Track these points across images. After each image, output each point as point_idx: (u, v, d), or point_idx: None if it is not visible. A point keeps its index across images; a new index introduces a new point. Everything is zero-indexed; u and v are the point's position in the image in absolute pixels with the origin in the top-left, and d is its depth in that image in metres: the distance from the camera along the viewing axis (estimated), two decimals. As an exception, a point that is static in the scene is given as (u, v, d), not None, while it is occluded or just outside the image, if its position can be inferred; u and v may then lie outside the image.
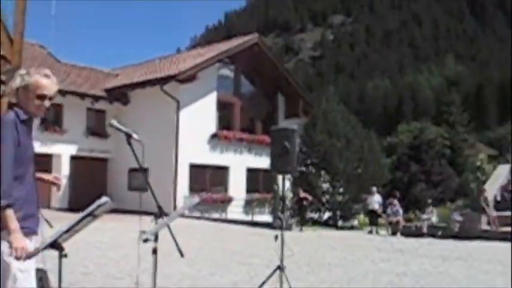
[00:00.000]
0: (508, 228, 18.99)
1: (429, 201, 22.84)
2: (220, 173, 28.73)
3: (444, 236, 19.85)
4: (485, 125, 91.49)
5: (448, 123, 43.67)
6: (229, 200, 28.59)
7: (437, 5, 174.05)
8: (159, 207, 3.83)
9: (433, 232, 20.41)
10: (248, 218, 26.88)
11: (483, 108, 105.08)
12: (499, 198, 21.08)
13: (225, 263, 11.21)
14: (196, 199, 4.76)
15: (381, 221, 23.06)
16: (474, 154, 44.03)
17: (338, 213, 26.39)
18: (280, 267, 7.21)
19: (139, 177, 24.61)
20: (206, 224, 22.13)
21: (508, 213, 20.20)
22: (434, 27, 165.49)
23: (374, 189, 23.24)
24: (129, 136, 3.79)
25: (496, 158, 47.16)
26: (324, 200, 26.11)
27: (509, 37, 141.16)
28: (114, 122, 3.83)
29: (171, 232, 3.85)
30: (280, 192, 21.58)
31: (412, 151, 35.09)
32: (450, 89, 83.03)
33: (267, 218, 25.73)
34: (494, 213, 19.73)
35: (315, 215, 25.95)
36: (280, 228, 7.60)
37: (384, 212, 22.68)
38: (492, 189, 21.42)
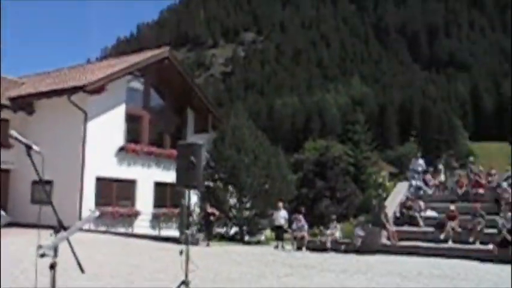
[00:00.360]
0: (407, 243, 19.83)
1: (333, 216, 23.39)
2: (127, 187, 28.26)
3: (347, 251, 20.42)
4: (387, 144, 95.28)
5: (352, 142, 45.11)
6: (136, 214, 28.14)
7: (345, 27, 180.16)
8: (59, 221, 3.76)
9: (336, 247, 20.95)
10: (155, 232, 26.55)
11: (385, 128, 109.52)
12: (398, 214, 21.97)
13: (129, 279, 11.04)
14: (96, 213, 4.71)
15: (286, 236, 23.36)
16: (377, 171, 45.76)
17: (245, 228, 26.53)
18: (184, 282, 7.20)
19: (41, 189, 23.77)
20: (112, 238, 21.66)
21: (406, 228, 21.11)
22: (342, 49, 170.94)
23: (280, 204, 23.56)
24: (28, 147, 3.72)
25: (397, 175, 49.24)
26: (231, 215, 26.19)
27: (410, 60, 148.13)
28: (14, 133, 3.75)
29: (71, 246, 3.79)
30: (187, 207, 21.53)
31: (317, 168, 35.93)
32: (355, 108, 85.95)
33: (174, 232, 25.50)
34: (393, 228, 20.51)
35: (222, 230, 25.98)
36: (186, 243, 7.60)
37: (290, 227, 23.00)
38: (392, 205, 22.30)
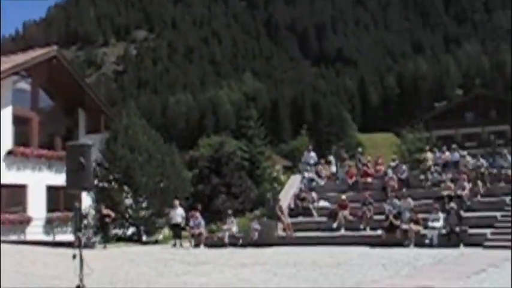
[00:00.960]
0: (302, 234, 20.48)
1: (230, 212, 23.65)
2: (17, 192, 27.06)
3: (244, 245, 20.74)
4: (280, 138, 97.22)
5: (246, 137, 45.67)
6: (28, 221, 27.01)
7: (236, 25, 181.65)
8: None
9: (234, 241, 21.22)
10: (49, 238, 25.67)
11: (278, 122, 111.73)
12: (292, 206, 22.60)
13: None
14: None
15: (184, 233, 23.35)
16: (271, 166, 46.60)
17: (142, 228, 26.24)
18: (79, 287, 7.11)
19: None
20: (2, 247, 20.74)
21: (300, 219, 21.77)
22: (234, 46, 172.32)
23: (176, 202, 23.47)
24: None
25: (291, 168, 50.32)
26: (127, 215, 25.80)
27: (300, 56, 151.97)
28: None
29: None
30: (82, 210, 21.00)
31: (213, 164, 36.09)
32: (248, 104, 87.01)
33: (69, 237, 24.76)
34: (288, 220, 21.08)
35: (119, 231, 25.53)
36: (78, 246, 7.50)
37: (187, 224, 23.00)
38: (286, 198, 22.89)
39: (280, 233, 20.87)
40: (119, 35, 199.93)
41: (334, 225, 20.39)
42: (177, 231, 23.03)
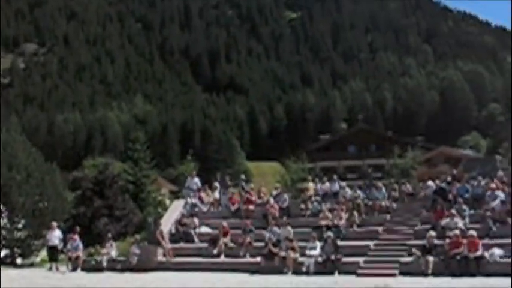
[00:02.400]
0: (182, 259, 20.38)
1: (109, 235, 23.13)
2: None
3: (123, 269, 20.33)
4: (169, 162, 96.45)
5: (132, 160, 44.96)
6: None
7: (129, 45, 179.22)
8: None
9: (112, 266, 20.75)
10: None
11: (167, 146, 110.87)
12: (174, 231, 22.46)
13: None
14: None
15: (62, 257, 22.51)
16: (156, 190, 46.08)
17: (17, 250, 25.03)
18: None
19: None
20: None
21: (181, 244, 21.68)
22: (127, 67, 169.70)
23: (54, 224, 22.62)
24: None
25: (177, 193, 49.93)
26: (1, 236, 24.52)
27: (193, 82, 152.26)
28: None
29: None
30: None
31: (96, 186, 35.14)
32: (138, 126, 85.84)
33: None
34: (169, 245, 20.92)
35: (-10, 253, 24.18)
36: None
37: (65, 247, 22.20)
38: (168, 222, 22.74)
39: (160, 258, 20.67)
40: (6, 47, 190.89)
41: (215, 251, 20.49)
42: (53, 254, 22.14)
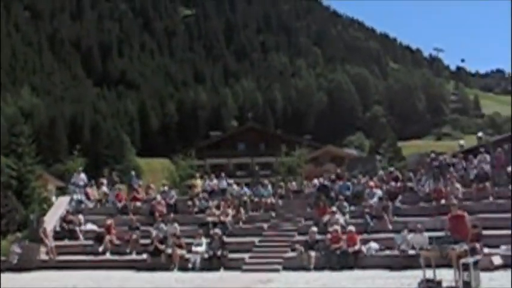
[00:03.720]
0: (66, 257, 19.88)
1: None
2: None
3: (3, 269, 19.48)
4: (56, 157, 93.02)
5: (16, 154, 43.02)
6: None
7: (16, 35, 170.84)
8: None
9: (-10, 265, 19.86)
10: None
11: (55, 141, 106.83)
12: (58, 229, 21.84)
13: None
14: None
15: None
16: (42, 186, 44.29)
17: None
18: None
19: None
20: None
21: (66, 242, 21.11)
22: (13, 57, 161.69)
23: None
24: None
25: (64, 189, 48.30)
26: None
27: (83, 75, 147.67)
28: None
29: None
30: None
31: (-28, 182, 33.45)
32: (24, 120, 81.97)
33: None
34: (53, 244, 20.33)
35: None
36: None
37: None
38: (52, 220, 22.08)
39: (43, 256, 20.04)
40: None
41: (100, 248, 20.17)
42: None
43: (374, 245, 17.70)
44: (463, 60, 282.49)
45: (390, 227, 19.02)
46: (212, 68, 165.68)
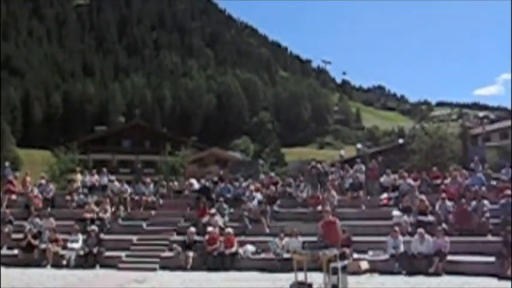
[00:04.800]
0: None
1: None
2: None
3: None
4: None
5: None
6: None
7: None
8: None
9: None
10: None
11: None
12: None
13: None
14: None
15: None
16: None
17: None
18: None
19: None
20: None
21: None
22: None
23: None
24: None
25: None
26: None
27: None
28: None
29: None
30: None
31: None
32: None
33: None
34: None
35: None
36: None
37: None
38: None
39: None
40: None
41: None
42: None
43: (251, 248, 18.10)
44: (344, 73, 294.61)
45: (267, 230, 19.54)
46: (102, 61, 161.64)
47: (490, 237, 16.83)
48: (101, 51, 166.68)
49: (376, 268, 16.04)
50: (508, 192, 18.17)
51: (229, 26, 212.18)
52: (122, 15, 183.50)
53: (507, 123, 68.08)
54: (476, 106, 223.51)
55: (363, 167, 24.20)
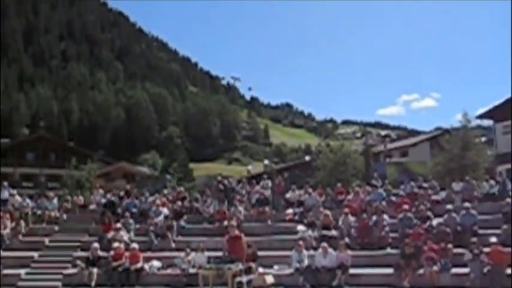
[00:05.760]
0: None
1: None
2: None
3: None
4: None
5: None
6: None
7: None
8: None
9: None
10: None
11: None
12: None
13: None
14: None
15: None
16: None
17: None
18: None
19: None
20: None
21: None
22: None
23: None
24: None
25: None
26: None
27: None
28: None
29: None
30: None
31: None
32: None
33: None
34: None
35: None
36: None
37: None
38: None
39: None
40: None
41: None
42: None
43: (156, 263, 17.93)
44: (250, 89, 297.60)
45: (173, 245, 19.47)
46: (6, 70, 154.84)
47: (389, 250, 17.54)
48: (5, 59, 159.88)
49: (281, 282, 16.29)
50: (406, 207, 19.07)
51: (139, 40, 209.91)
52: (29, 22, 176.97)
53: (406, 141, 71.47)
54: (379, 125, 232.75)
55: (269, 183, 24.66)
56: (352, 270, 16.06)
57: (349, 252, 16.73)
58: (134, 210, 21.98)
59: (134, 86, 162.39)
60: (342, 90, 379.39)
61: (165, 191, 25.66)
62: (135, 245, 18.22)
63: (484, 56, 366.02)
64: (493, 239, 15.37)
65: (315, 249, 17.48)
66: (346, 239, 17.97)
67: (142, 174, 56.94)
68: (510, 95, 54.77)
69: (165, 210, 21.48)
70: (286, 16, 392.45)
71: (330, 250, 16.51)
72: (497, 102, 57.94)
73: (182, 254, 17.76)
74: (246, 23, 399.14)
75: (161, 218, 20.85)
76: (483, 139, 51.10)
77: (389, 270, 15.67)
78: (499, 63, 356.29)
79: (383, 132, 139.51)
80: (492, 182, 23.16)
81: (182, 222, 21.02)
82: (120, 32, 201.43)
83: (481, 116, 58.86)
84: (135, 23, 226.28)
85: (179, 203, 22.52)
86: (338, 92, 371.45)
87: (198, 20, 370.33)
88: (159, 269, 17.80)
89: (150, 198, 23.07)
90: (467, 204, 18.46)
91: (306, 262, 16.53)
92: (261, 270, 16.52)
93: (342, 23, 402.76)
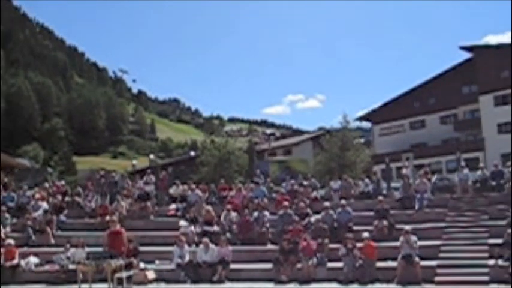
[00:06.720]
0: None
1: None
2: None
3: None
4: None
5: None
6: None
7: None
8: None
9: None
10: None
11: None
12: None
13: None
14: None
15: None
16: None
17: None
18: None
19: None
20: None
21: None
22: None
23: None
24: None
25: None
26: None
27: None
28: None
29: None
30: None
31: None
32: None
33: None
34: None
35: None
36: None
37: None
38: None
39: None
40: None
41: None
42: None
43: (34, 259, 17.39)
44: (134, 81, 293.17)
45: (53, 241, 18.99)
46: None
47: (269, 246, 18.09)
48: None
49: (162, 277, 16.39)
50: (286, 203, 19.76)
51: (23, 25, 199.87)
52: None
53: (290, 140, 73.55)
54: (264, 123, 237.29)
55: (153, 178, 24.61)
56: (233, 265, 16.41)
57: (230, 247, 17.07)
58: (11, 204, 21.18)
59: (16, 74, 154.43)
60: (229, 88, 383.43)
61: (46, 185, 24.86)
62: (10, 241, 17.52)
63: (367, 60, 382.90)
64: (365, 234, 16.28)
65: (197, 244, 17.72)
66: (228, 235, 18.32)
67: (22, 167, 54.38)
68: (388, 100, 58.09)
69: (45, 205, 20.90)
70: (175, 11, 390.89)
71: (212, 245, 16.79)
72: (375, 106, 61.34)
73: (62, 249, 17.38)
74: (136, 16, 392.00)
75: (40, 212, 20.26)
76: (362, 140, 53.71)
77: (269, 265, 16.14)
78: (380, 68, 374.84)
79: (268, 131, 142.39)
80: (367, 181, 24.41)
81: (62, 217, 20.53)
82: (2, 16, 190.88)
83: (360, 118, 61.97)
84: (19, 7, 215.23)
85: (59, 196, 21.96)
86: (225, 90, 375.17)
87: (86, 9, 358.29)
88: (36, 265, 17.29)
89: (29, 192, 22.34)
90: (343, 202, 19.40)
91: (187, 257, 16.70)
92: (142, 265, 16.54)
93: (229, 20, 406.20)
